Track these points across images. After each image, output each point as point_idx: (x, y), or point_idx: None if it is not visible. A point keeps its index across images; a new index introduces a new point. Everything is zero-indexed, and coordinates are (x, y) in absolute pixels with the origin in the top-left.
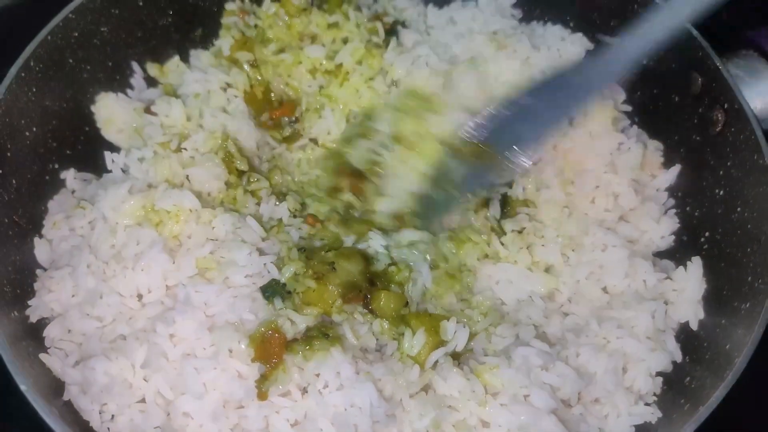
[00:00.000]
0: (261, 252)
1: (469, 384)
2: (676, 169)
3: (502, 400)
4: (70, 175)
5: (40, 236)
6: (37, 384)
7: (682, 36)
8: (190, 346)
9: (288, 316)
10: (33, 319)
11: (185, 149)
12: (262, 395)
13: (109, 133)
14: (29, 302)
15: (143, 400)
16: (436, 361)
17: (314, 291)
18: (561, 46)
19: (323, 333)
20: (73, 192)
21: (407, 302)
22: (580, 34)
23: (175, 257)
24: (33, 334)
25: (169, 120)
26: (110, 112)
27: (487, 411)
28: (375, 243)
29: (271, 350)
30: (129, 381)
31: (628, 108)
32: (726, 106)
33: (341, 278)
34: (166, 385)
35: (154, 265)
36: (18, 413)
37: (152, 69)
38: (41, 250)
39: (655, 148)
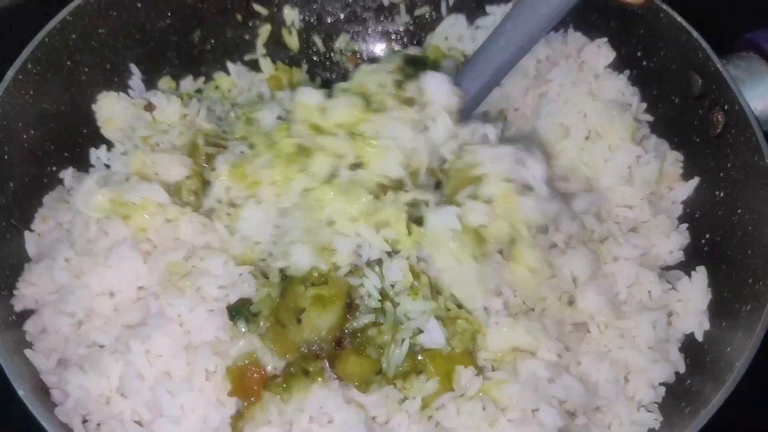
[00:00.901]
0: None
1: (480, 405)
2: (695, 182)
3: (510, 416)
4: (68, 174)
5: (31, 230)
6: (33, 389)
7: (683, 37)
8: (165, 364)
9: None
10: (17, 309)
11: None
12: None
13: (108, 131)
14: (14, 292)
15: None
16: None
17: (277, 332)
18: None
19: (303, 369)
20: (69, 191)
21: (381, 369)
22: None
23: (147, 258)
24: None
25: (163, 116)
26: (111, 110)
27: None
28: (369, 284)
29: (249, 386)
30: (106, 396)
31: (650, 118)
32: (726, 107)
33: (303, 335)
34: (144, 407)
35: (123, 262)
36: (17, 416)
37: (164, 83)
38: (31, 244)
39: (675, 159)
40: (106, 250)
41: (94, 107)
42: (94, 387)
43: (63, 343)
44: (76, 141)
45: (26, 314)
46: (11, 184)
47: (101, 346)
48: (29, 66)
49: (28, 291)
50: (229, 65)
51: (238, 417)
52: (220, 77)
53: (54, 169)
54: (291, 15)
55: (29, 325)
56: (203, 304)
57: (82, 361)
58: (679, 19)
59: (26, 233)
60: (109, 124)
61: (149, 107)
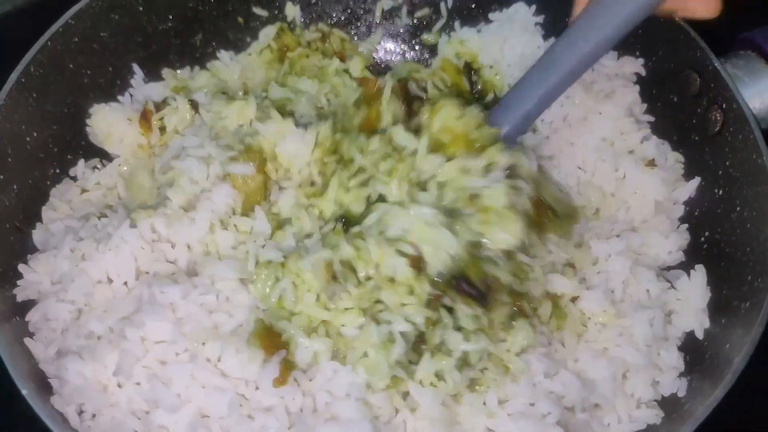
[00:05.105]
0: None
1: (481, 398)
2: (695, 182)
3: (509, 410)
4: (79, 168)
5: (41, 221)
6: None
7: (681, 36)
8: (162, 352)
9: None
10: (20, 299)
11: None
12: (284, 375)
13: (110, 146)
14: (18, 282)
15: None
16: None
17: None
18: None
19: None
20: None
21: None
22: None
23: (154, 247)
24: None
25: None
26: (108, 124)
27: (494, 422)
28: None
29: (275, 341)
30: (103, 383)
31: (651, 118)
32: (724, 106)
33: None
34: (140, 397)
35: (123, 246)
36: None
37: (168, 75)
38: (39, 235)
39: (676, 160)
40: (107, 235)
41: (88, 124)
42: (91, 374)
43: (62, 333)
44: (79, 143)
45: (27, 305)
46: (15, 186)
47: (99, 337)
48: (32, 69)
49: (31, 278)
50: (222, 53)
51: (285, 367)
52: (212, 66)
53: (57, 171)
54: (292, 17)
55: (32, 315)
56: (195, 291)
57: (80, 350)
58: (677, 18)
59: (37, 224)
60: (109, 138)
61: (145, 114)
